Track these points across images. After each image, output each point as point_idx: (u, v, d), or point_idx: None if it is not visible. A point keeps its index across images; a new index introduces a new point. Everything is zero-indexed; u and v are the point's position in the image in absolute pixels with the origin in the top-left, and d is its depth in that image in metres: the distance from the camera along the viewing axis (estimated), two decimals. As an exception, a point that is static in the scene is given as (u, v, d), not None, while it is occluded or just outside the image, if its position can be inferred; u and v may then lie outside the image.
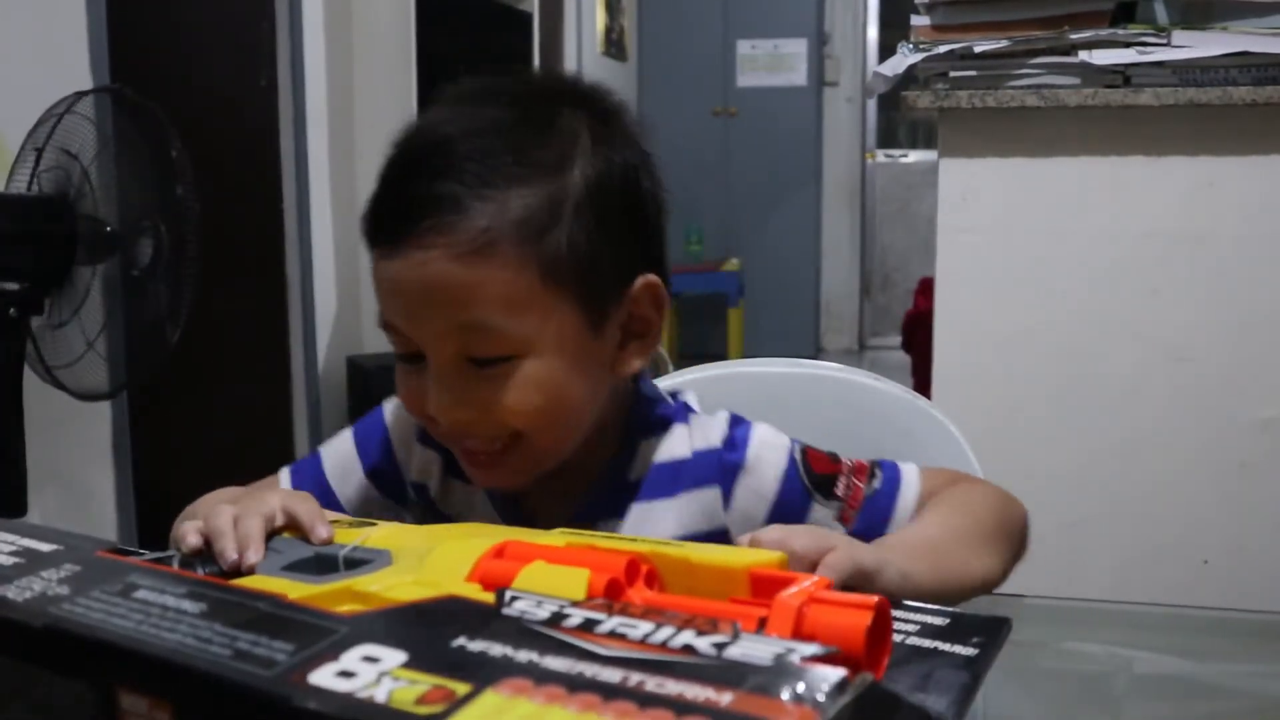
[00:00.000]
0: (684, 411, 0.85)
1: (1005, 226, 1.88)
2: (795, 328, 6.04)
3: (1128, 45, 1.78)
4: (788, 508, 0.80)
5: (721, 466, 0.81)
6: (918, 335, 2.65)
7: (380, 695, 0.39)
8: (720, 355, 5.08)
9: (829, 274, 6.35)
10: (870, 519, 0.79)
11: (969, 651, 0.54)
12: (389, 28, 3.35)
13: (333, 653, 0.42)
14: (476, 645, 0.42)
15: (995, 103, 1.82)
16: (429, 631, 0.44)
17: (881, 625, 0.50)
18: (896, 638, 0.55)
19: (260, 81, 3.07)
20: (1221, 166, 1.80)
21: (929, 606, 0.59)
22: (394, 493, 0.88)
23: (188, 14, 2.89)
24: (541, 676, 0.39)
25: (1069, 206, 1.86)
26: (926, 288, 2.18)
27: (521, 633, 0.43)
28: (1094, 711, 0.68)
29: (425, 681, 0.39)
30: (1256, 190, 1.80)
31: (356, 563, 0.59)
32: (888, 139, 6.60)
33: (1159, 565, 1.87)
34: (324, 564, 0.60)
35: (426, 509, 0.86)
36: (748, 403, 1.15)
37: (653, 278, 0.82)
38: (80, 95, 1.96)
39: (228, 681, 0.41)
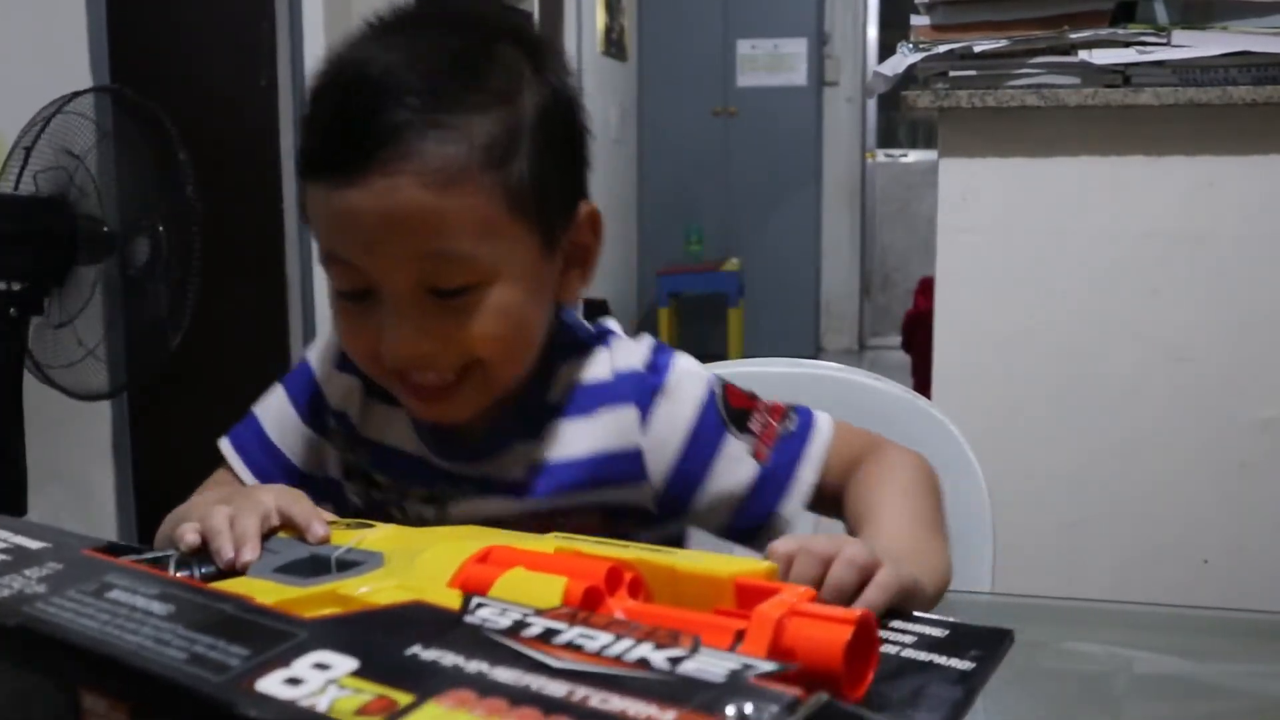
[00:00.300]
0: (605, 335, 0.85)
1: (1005, 226, 1.88)
2: (795, 328, 6.04)
3: (1127, 45, 1.78)
4: (703, 438, 0.81)
5: (641, 388, 0.81)
6: (918, 335, 2.65)
7: (322, 704, 0.39)
8: (720, 355, 5.09)
9: (829, 274, 6.35)
10: (782, 457, 0.81)
11: (965, 665, 0.53)
12: (389, 28, 3.34)
13: (285, 659, 0.42)
14: (430, 654, 0.42)
15: (995, 102, 1.82)
16: (386, 638, 0.44)
17: (865, 640, 0.49)
18: (891, 649, 0.54)
19: (260, 81, 3.07)
20: (1221, 166, 1.80)
21: (929, 616, 0.58)
22: (324, 428, 0.87)
23: (188, 14, 2.89)
24: (487, 688, 0.39)
25: (1069, 206, 1.86)
26: (926, 288, 2.18)
27: (478, 642, 0.43)
28: (1094, 711, 0.68)
29: (370, 691, 0.39)
30: (1256, 190, 1.80)
31: (349, 564, 0.59)
32: (888, 139, 6.60)
33: (1159, 565, 1.87)
34: (317, 566, 0.60)
35: (349, 437, 0.85)
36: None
37: (593, 205, 0.83)
38: (73, 95, 1.96)
39: (177, 685, 0.41)
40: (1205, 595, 1.83)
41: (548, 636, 0.43)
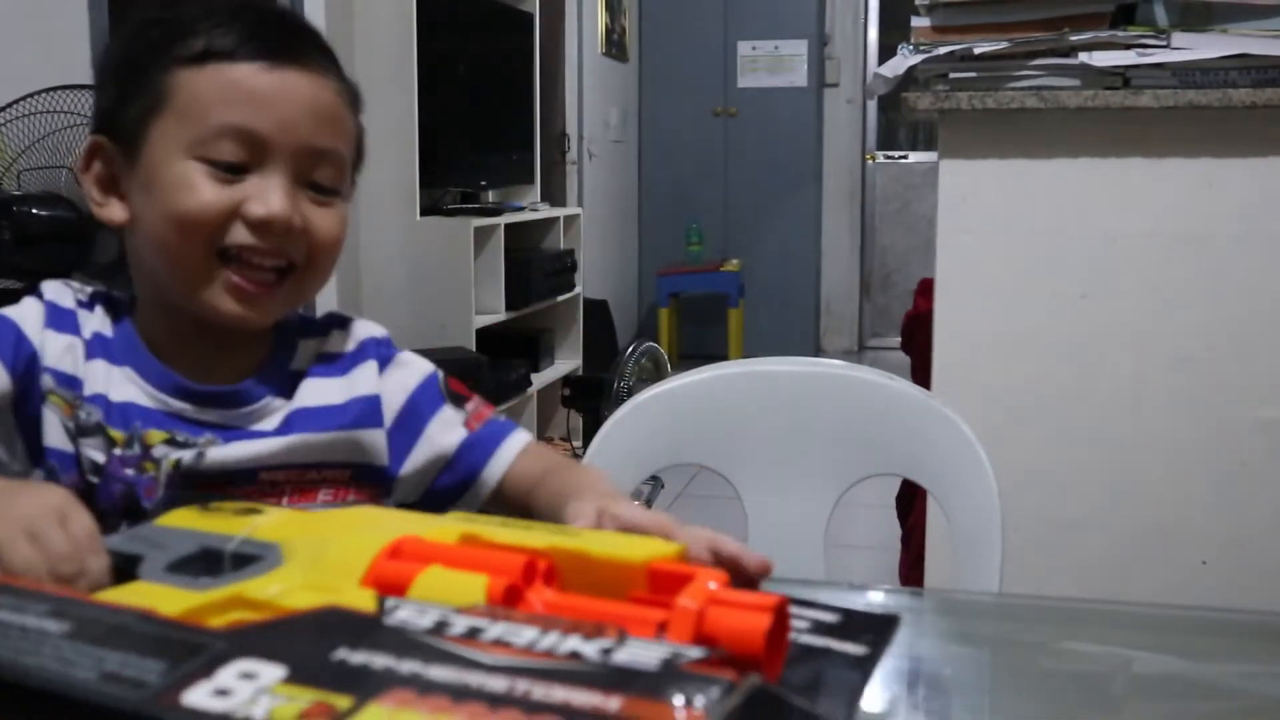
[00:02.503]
0: (341, 320, 0.94)
1: (1005, 228, 1.89)
2: (795, 328, 6.04)
3: (1127, 47, 1.78)
4: (424, 399, 0.92)
5: (380, 352, 0.92)
6: (917, 336, 2.64)
7: (258, 713, 0.37)
8: (720, 356, 5.09)
9: (829, 274, 6.35)
10: (489, 431, 0.92)
11: (859, 650, 0.54)
12: (389, 28, 3.35)
13: (206, 670, 0.40)
14: (358, 657, 0.40)
15: (995, 104, 1.82)
16: (308, 644, 0.42)
17: (780, 624, 0.50)
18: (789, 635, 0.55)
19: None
20: (1221, 168, 1.81)
21: (822, 602, 0.59)
22: (30, 386, 0.84)
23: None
24: (425, 687, 0.38)
25: (1069, 208, 1.86)
26: (926, 289, 2.17)
27: (404, 643, 0.41)
28: (1093, 711, 0.69)
29: (305, 697, 0.38)
30: (1256, 191, 1.80)
31: (246, 559, 0.56)
32: (888, 140, 6.60)
33: (1158, 566, 1.87)
34: (210, 561, 0.56)
35: (76, 395, 0.83)
36: (756, 401, 1.15)
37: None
38: (57, 88, 1.96)
39: (95, 706, 0.38)
40: (1204, 596, 1.84)
41: (473, 634, 0.42)
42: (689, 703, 0.37)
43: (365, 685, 0.38)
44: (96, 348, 0.85)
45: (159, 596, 0.51)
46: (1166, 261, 1.84)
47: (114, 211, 0.87)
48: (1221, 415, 1.84)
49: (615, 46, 5.76)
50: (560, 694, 0.37)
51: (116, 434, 0.83)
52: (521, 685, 0.38)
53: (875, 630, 0.56)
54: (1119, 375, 1.87)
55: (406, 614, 0.44)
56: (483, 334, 3.44)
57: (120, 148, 0.86)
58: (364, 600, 0.48)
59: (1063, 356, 1.89)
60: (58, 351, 0.84)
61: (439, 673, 0.39)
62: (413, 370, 0.93)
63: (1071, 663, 0.76)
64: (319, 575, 0.52)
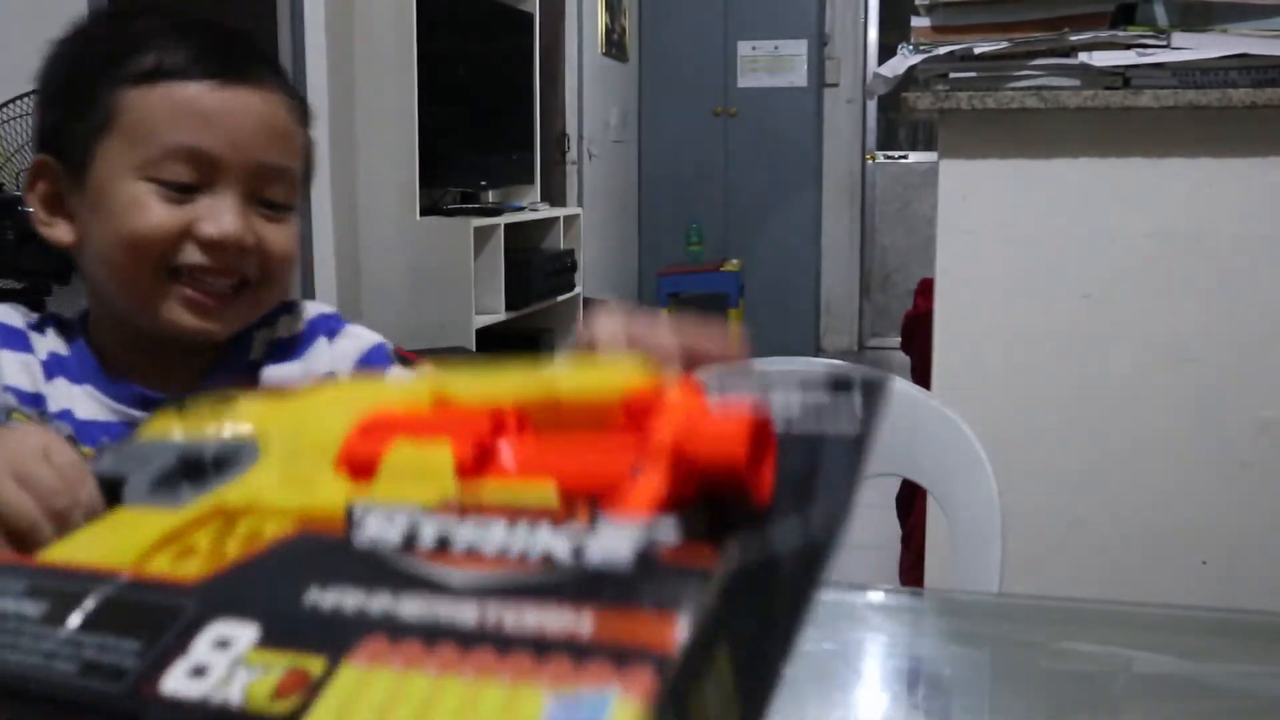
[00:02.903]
0: (289, 305, 0.95)
1: (1005, 228, 1.89)
2: (795, 328, 6.04)
3: (1128, 47, 1.78)
4: (374, 359, 0.93)
5: (329, 326, 0.94)
6: (917, 336, 2.65)
7: (235, 695, 0.36)
8: (720, 356, 5.07)
9: (829, 274, 6.35)
10: None
11: (851, 429, 0.50)
12: (389, 28, 3.35)
13: (181, 643, 0.39)
14: (329, 598, 0.39)
15: (995, 104, 1.82)
16: (279, 587, 0.41)
17: (761, 440, 0.47)
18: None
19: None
20: (1221, 168, 1.81)
21: (801, 371, 0.54)
22: None
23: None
24: (396, 630, 0.37)
25: (1069, 208, 1.86)
26: (926, 289, 2.17)
27: (374, 570, 0.40)
28: (1093, 711, 0.69)
29: (278, 664, 0.37)
30: (1256, 191, 1.80)
31: (224, 461, 0.54)
32: (888, 140, 6.60)
33: (1158, 566, 1.87)
34: (191, 469, 0.55)
35: (41, 413, 0.84)
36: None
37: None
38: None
39: (75, 705, 0.38)
40: (1204, 596, 1.83)
41: (444, 545, 0.41)
42: (662, 603, 0.36)
43: (337, 637, 0.37)
44: (55, 367, 0.85)
45: (140, 524, 0.50)
46: (1167, 261, 1.84)
47: (60, 232, 0.86)
48: (1222, 415, 1.84)
49: (615, 46, 5.76)
50: (531, 618, 0.36)
51: (87, 450, 0.82)
52: (492, 612, 0.37)
53: (865, 399, 0.51)
54: (1119, 375, 1.87)
55: (375, 525, 0.43)
56: (483, 334, 3.44)
57: (66, 167, 0.85)
58: (335, 497, 0.47)
59: (1063, 356, 1.89)
60: (15, 370, 0.84)
61: (410, 607, 0.38)
62: (361, 339, 0.94)
63: (1071, 663, 0.76)
64: (294, 464, 0.51)
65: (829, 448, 0.49)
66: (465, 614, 0.37)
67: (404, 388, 0.55)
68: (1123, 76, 1.79)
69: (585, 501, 0.43)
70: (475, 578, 0.39)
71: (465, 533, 0.41)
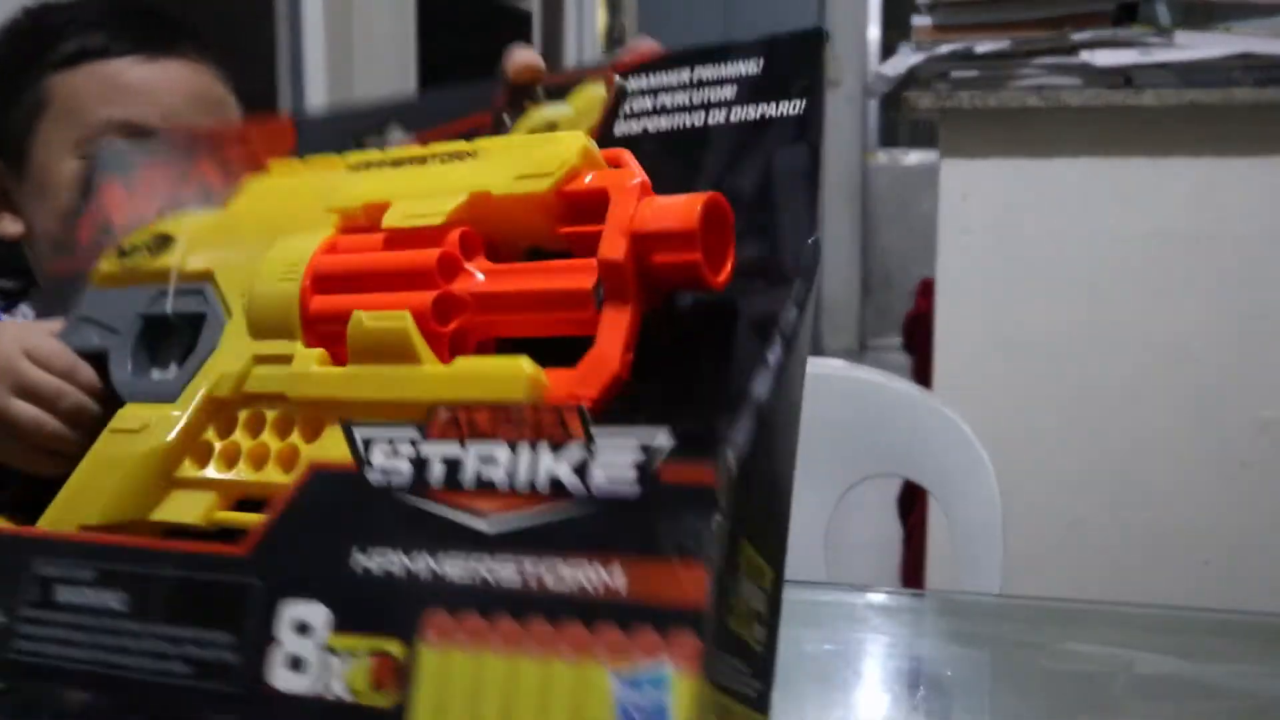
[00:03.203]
0: None
1: (1006, 227, 1.88)
2: (796, 328, 6.04)
3: (1130, 46, 1.78)
4: None
5: None
6: (918, 336, 2.65)
7: (339, 688, 0.39)
8: (721, 355, 5.06)
9: (829, 274, 6.35)
10: None
11: (797, 106, 0.47)
12: (389, 28, 3.35)
13: (265, 628, 0.41)
14: (374, 564, 0.41)
15: (997, 103, 1.82)
16: (324, 552, 0.42)
17: (716, 217, 0.45)
18: (702, 117, 0.49)
19: (258, 82, 3.07)
20: (1224, 168, 1.80)
21: (726, 48, 0.49)
22: None
23: (187, 14, 2.89)
24: (452, 601, 0.39)
25: (1070, 208, 1.86)
26: (927, 289, 2.17)
27: (401, 518, 0.42)
28: (1095, 712, 0.68)
29: (362, 649, 0.40)
30: (1259, 191, 1.80)
31: (188, 319, 0.54)
32: (889, 139, 6.60)
33: (1159, 566, 1.87)
34: (158, 335, 0.55)
35: None
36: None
37: None
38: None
39: (202, 706, 0.40)
40: (1206, 596, 1.83)
41: (454, 478, 0.42)
42: (684, 549, 0.37)
43: (401, 614, 0.40)
44: None
45: (148, 424, 0.51)
46: (1169, 261, 1.83)
47: (6, 226, 0.87)
48: (1222, 415, 1.84)
49: (616, 45, 5.76)
50: (569, 574, 0.38)
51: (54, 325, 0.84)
52: (528, 567, 0.39)
53: (801, 65, 0.47)
54: (1119, 375, 1.87)
55: (380, 459, 0.43)
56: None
57: (7, 162, 0.86)
58: (306, 360, 0.47)
59: (1064, 356, 1.88)
60: None
61: (453, 569, 0.40)
62: None
63: (1073, 663, 0.76)
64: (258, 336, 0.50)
65: (776, 139, 0.46)
66: (508, 573, 0.39)
67: (343, 206, 0.52)
68: (1125, 76, 1.79)
69: (565, 380, 0.43)
70: (501, 523, 0.40)
71: (470, 460, 0.42)
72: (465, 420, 0.43)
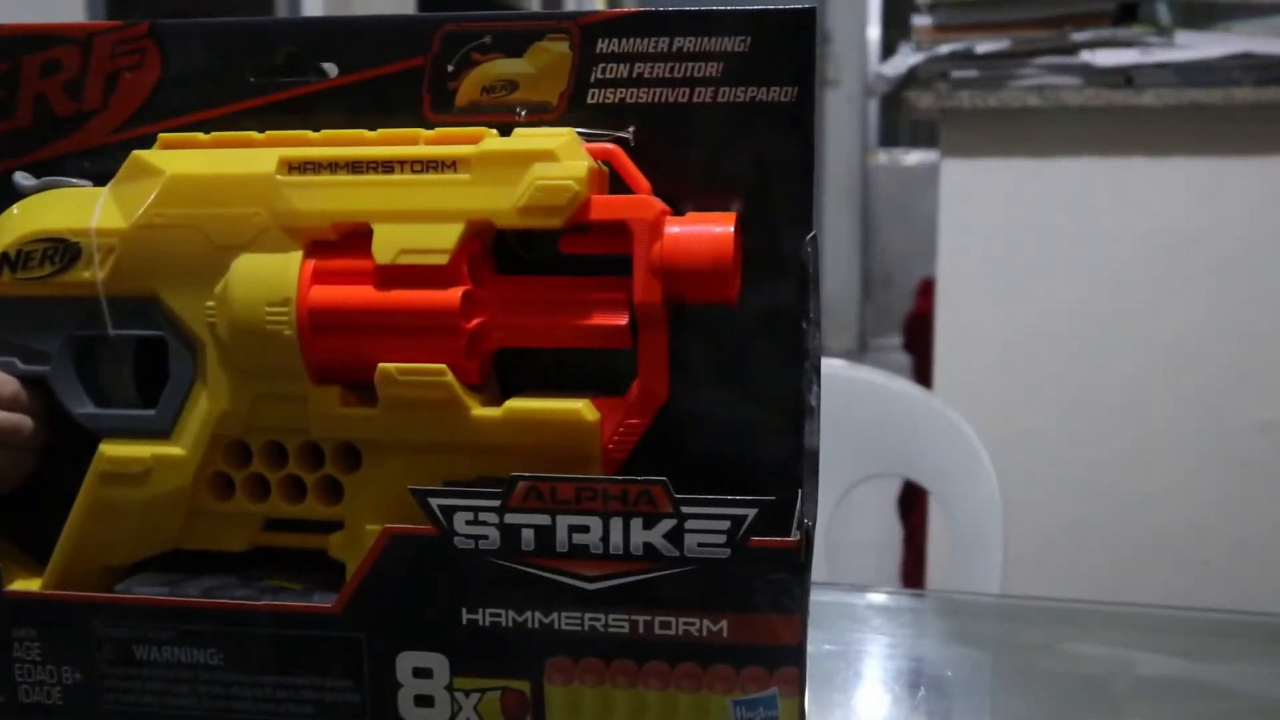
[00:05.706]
0: None
1: (1006, 227, 1.88)
2: (796, 328, 6.04)
3: (1130, 46, 1.78)
4: None
5: None
6: (919, 336, 2.65)
7: (473, 716, 0.43)
8: (721, 355, 5.06)
9: (829, 274, 6.35)
10: None
11: (788, 93, 0.45)
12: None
13: (386, 676, 0.43)
14: (482, 616, 0.43)
15: (997, 103, 1.82)
16: (428, 608, 0.44)
17: (737, 244, 0.45)
18: (686, 94, 0.47)
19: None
20: (1224, 168, 1.80)
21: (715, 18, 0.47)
22: None
23: (187, 14, 2.89)
24: (568, 648, 0.42)
25: (1071, 207, 1.86)
26: (927, 289, 2.17)
27: (496, 578, 0.43)
28: (1095, 713, 0.68)
29: (491, 688, 0.43)
30: (1259, 191, 1.80)
31: (131, 338, 0.50)
32: (889, 139, 6.60)
33: (1160, 566, 1.87)
34: (91, 352, 0.50)
35: None
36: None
37: None
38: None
39: None
40: (1206, 596, 1.83)
41: (545, 543, 0.43)
42: (778, 605, 0.42)
43: (524, 660, 0.43)
44: None
45: (150, 467, 0.47)
46: (1169, 261, 1.83)
47: None
48: (1223, 415, 1.84)
49: None
50: (673, 623, 0.42)
51: None
52: (637, 618, 0.42)
53: (793, 47, 0.45)
54: (1119, 375, 1.87)
55: (463, 525, 0.44)
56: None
57: None
58: (329, 406, 0.46)
59: (1064, 356, 1.88)
60: None
61: (562, 621, 0.43)
62: None
63: (1074, 664, 0.76)
64: (242, 361, 0.46)
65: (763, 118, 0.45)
66: (616, 623, 0.42)
67: (304, 226, 0.46)
68: (1125, 76, 1.79)
69: (618, 409, 0.45)
70: (601, 581, 0.43)
71: (562, 532, 0.43)
72: (548, 492, 0.43)
